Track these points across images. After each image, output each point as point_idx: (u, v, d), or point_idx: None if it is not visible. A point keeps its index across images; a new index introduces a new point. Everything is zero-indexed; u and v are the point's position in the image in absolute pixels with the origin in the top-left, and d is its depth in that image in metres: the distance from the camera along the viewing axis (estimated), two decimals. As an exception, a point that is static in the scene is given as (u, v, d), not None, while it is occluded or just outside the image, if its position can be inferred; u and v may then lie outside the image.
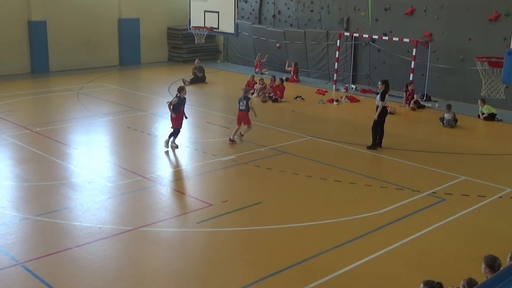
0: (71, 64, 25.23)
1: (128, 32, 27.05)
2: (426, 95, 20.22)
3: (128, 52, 27.25)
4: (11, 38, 23.68)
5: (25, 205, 10.45)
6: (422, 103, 19.43)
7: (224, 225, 9.76)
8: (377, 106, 14.31)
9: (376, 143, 14.42)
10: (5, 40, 23.50)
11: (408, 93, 19.59)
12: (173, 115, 13.85)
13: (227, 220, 9.98)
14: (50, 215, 9.94)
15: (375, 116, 14.25)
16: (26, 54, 24.23)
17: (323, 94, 21.23)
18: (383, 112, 14.31)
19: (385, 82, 14.41)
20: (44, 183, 11.49)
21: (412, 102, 19.21)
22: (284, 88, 20.43)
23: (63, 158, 13.16)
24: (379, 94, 14.31)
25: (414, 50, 20.00)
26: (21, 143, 14.09)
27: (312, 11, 24.80)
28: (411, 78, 19.98)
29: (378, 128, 14.41)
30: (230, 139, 14.50)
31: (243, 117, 14.43)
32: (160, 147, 14.35)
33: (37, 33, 24.10)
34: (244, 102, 14.30)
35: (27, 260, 8.38)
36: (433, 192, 11.48)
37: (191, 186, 11.79)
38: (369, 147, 14.37)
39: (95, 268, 8.26)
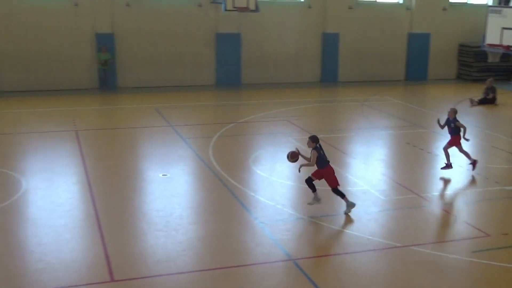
0: (358, 76, 26.10)
1: (417, 47, 26.79)
2: None
3: (415, 67, 26.99)
4: (307, 48, 25.48)
5: (302, 205, 10.98)
6: None
7: (502, 260, 8.94)
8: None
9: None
10: (301, 51, 25.40)
11: None
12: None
13: (506, 255, 9.13)
14: (323, 219, 10.33)
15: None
16: (317, 64, 25.80)
17: None
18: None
19: None
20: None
21: None
22: None
23: (341, 166, 13.53)
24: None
25: None
26: (304, 147, 14.91)
27: None
28: None
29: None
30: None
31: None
32: (438, 167, 13.87)
33: (329, 44, 25.52)
34: None
35: (299, 258, 8.85)
36: None
37: (467, 212, 11.08)
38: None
39: (360, 277, 8.33)
